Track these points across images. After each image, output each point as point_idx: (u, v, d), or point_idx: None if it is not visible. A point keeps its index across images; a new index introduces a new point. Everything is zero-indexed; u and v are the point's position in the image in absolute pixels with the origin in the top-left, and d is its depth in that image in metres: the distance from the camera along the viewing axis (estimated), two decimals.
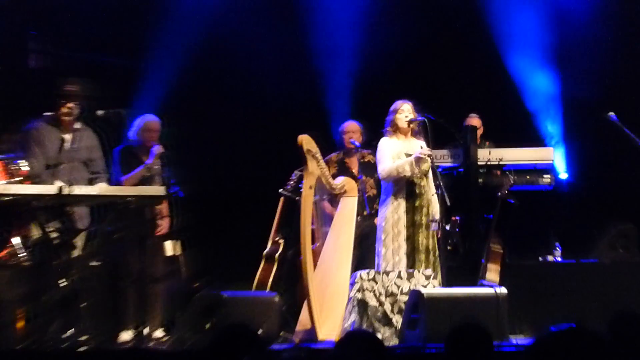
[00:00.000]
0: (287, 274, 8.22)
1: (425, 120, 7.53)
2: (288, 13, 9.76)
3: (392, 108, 7.66)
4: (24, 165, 6.77)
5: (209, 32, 9.40)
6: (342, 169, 8.30)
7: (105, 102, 7.54)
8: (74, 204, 7.00)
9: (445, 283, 7.32)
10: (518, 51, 9.80)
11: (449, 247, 7.68)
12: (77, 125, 7.43)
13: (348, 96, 9.66)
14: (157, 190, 7.16)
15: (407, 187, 7.51)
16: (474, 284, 7.64)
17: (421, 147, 7.55)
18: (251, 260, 8.30)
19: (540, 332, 6.83)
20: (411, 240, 7.44)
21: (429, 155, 7.45)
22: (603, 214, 8.92)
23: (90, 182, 7.33)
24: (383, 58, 9.64)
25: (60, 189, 6.55)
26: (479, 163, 8.54)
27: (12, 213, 6.68)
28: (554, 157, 8.83)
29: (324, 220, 7.82)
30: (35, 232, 6.75)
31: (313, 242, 7.52)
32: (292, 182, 8.27)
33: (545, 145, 9.35)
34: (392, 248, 7.44)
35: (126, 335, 7.22)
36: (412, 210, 7.48)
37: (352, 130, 8.39)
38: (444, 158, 8.63)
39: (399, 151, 7.55)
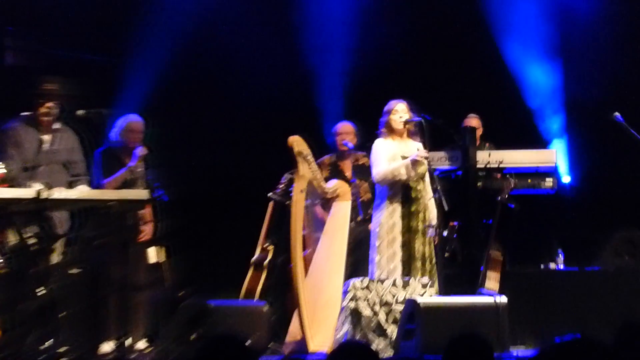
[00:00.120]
0: (276, 282, 8.21)
1: (422, 120, 7.53)
2: (277, 7, 9.75)
3: (386, 108, 7.66)
4: (0, 168, 6.74)
5: (195, 28, 9.39)
6: (335, 172, 8.29)
7: (86, 101, 7.55)
8: (53, 209, 6.97)
9: (443, 292, 7.33)
10: (519, 48, 9.81)
11: (446, 254, 7.67)
12: (57, 126, 7.42)
13: (341, 95, 9.66)
14: (140, 194, 7.15)
15: (402, 192, 7.50)
16: (472, 292, 7.64)
17: (417, 149, 7.54)
18: (239, 268, 8.29)
19: (543, 343, 6.87)
20: (407, 247, 7.43)
21: (426, 158, 7.44)
22: (608, 219, 8.94)
23: (70, 185, 7.33)
24: (377, 55, 9.63)
25: (39, 192, 6.52)
26: (478, 166, 8.53)
27: None
28: (557, 159, 8.83)
29: (316, 225, 7.80)
30: (12, 238, 6.72)
31: (304, 248, 7.51)
32: (282, 186, 8.27)
33: (547, 147, 9.35)
34: (387, 255, 7.43)
35: (107, 347, 7.19)
36: (408, 216, 7.48)
37: (345, 131, 8.39)
38: (442, 160, 8.62)
39: (395, 153, 7.55)
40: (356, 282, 7.18)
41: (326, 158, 8.43)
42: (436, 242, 7.50)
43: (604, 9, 9.81)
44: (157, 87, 9.12)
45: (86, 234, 7.07)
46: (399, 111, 7.60)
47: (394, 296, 7.14)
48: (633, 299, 7.79)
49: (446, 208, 7.32)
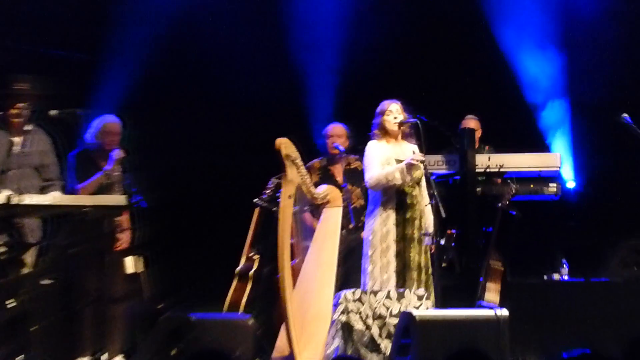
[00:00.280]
0: (262, 293, 8.21)
1: (417, 121, 7.51)
2: (265, 3, 9.75)
3: (378, 109, 7.65)
4: None
5: (178, 24, 9.40)
6: (326, 177, 8.30)
7: (59, 101, 7.49)
8: (24, 215, 6.97)
9: (440, 304, 7.31)
10: (519, 42, 9.82)
11: (443, 264, 7.66)
12: (28, 127, 7.42)
13: (332, 95, 9.67)
14: (117, 199, 7.14)
15: (397, 197, 7.49)
16: (471, 305, 7.64)
17: (413, 152, 7.54)
18: (222, 279, 8.28)
19: (548, 358, 6.86)
20: (402, 256, 7.43)
21: (422, 162, 7.44)
22: (615, 227, 8.95)
23: (43, 190, 7.32)
24: (369, 52, 9.65)
25: (9, 198, 6.51)
26: (477, 170, 8.55)
27: None
28: (561, 163, 8.84)
29: (305, 233, 7.78)
30: None
31: (292, 258, 7.49)
32: (269, 191, 8.25)
33: (550, 150, 9.36)
34: (380, 265, 7.43)
35: None
36: (402, 223, 7.47)
37: (336, 133, 8.40)
38: (439, 164, 8.64)
39: (389, 157, 7.54)
40: (347, 293, 7.17)
41: (316, 162, 8.43)
42: (432, 251, 7.50)
43: (609, 5, 9.84)
44: (136, 85, 9.12)
45: (59, 242, 7.06)
46: (393, 112, 7.60)
47: (387, 309, 7.13)
48: None
49: (443, 215, 7.31)
